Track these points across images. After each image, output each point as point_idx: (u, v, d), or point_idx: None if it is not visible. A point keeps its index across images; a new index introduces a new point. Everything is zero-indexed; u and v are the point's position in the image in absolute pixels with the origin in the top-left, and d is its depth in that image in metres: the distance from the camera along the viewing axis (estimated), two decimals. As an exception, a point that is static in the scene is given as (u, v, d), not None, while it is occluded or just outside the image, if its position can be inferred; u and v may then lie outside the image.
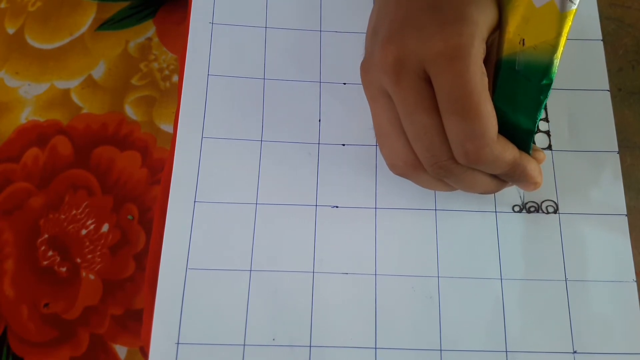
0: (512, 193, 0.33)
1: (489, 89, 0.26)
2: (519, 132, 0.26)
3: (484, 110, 0.24)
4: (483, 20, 0.25)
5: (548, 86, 0.25)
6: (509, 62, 0.26)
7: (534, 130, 0.26)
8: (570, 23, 0.24)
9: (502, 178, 0.28)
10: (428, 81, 0.25)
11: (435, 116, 0.25)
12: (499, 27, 0.26)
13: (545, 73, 0.25)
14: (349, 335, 0.30)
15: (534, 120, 0.26)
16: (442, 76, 0.24)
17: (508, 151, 0.26)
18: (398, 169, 0.29)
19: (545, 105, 0.34)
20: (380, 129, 0.28)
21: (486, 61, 0.26)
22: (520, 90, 0.26)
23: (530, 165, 0.27)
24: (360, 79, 0.29)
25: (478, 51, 0.24)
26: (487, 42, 0.26)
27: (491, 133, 0.25)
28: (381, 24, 0.27)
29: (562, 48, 0.25)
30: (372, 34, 0.28)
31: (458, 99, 0.24)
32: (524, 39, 0.25)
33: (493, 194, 0.33)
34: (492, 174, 0.28)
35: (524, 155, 0.27)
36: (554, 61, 0.25)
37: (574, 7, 0.24)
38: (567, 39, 0.25)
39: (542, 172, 0.28)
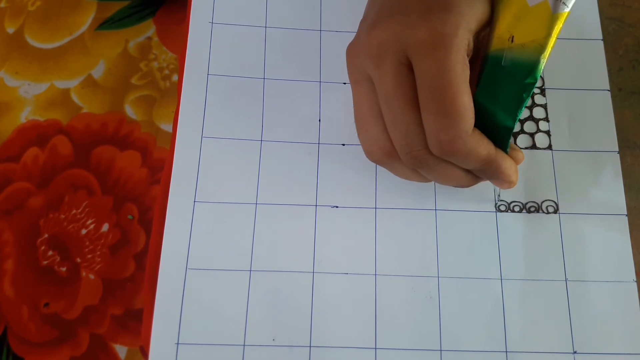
0: (512, 193, 0.33)
1: (474, 84, 0.26)
2: (498, 129, 0.26)
3: (461, 102, 0.24)
4: (471, 12, 0.25)
5: (532, 85, 0.25)
6: (496, 57, 0.26)
7: (513, 128, 0.26)
8: (561, 25, 0.25)
9: (476, 174, 0.28)
10: (410, 68, 0.25)
11: (413, 104, 0.25)
12: (490, 23, 0.26)
13: (530, 72, 0.25)
14: (349, 336, 0.30)
15: (514, 118, 0.26)
16: (422, 63, 0.24)
17: (482, 146, 0.26)
18: (374, 156, 0.28)
19: (546, 105, 0.35)
20: (360, 114, 0.28)
21: (475, 57, 0.26)
22: (504, 87, 0.25)
23: (505, 163, 0.27)
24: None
25: (461, 42, 0.24)
26: (477, 38, 0.26)
27: (466, 126, 0.25)
28: (372, 9, 0.27)
29: (550, 49, 0.25)
30: (363, 18, 0.28)
31: (435, 88, 0.24)
32: (513, 36, 0.25)
33: (496, 190, 0.33)
34: (466, 168, 0.28)
35: (500, 153, 0.27)
36: (541, 61, 0.25)
37: (567, 10, 0.24)
38: (556, 41, 0.25)
39: (518, 171, 0.28)
